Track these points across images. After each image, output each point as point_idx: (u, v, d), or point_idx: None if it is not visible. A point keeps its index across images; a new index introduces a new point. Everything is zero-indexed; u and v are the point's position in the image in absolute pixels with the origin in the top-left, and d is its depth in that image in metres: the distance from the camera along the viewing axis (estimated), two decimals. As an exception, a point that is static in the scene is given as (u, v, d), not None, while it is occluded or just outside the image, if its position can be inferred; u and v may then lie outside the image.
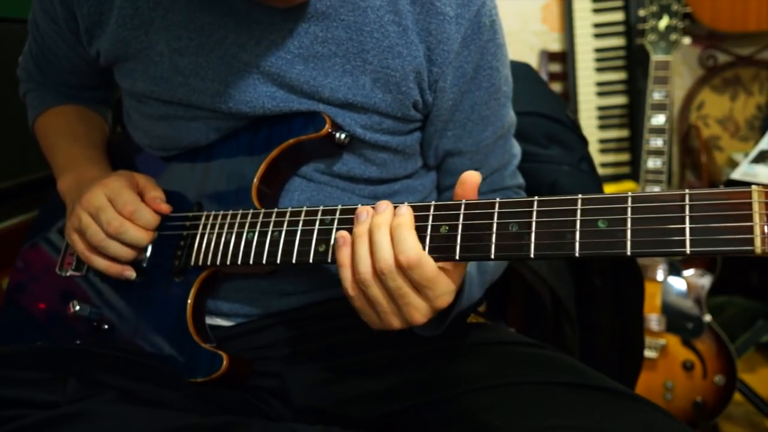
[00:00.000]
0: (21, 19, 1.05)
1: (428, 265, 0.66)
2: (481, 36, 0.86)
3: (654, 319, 1.73)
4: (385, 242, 0.66)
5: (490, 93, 0.91)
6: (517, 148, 1.03)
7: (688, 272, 1.73)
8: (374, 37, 0.83)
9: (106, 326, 0.91)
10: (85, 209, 0.86)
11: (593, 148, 2.30)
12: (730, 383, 1.68)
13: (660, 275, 1.75)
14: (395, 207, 0.70)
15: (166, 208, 0.89)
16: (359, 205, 0.73)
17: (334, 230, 0.74)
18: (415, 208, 0.70)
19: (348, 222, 0.74)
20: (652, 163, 1.80)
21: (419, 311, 0.68)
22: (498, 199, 0.67)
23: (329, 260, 0.73)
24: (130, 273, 0.89)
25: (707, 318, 1.70)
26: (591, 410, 0.71)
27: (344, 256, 0.69)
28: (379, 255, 0.66)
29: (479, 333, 0.89)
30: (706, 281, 1.71)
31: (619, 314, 1.32)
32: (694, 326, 1.71)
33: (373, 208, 0.70)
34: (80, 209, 0.87)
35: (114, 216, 0.85)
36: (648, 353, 1.72)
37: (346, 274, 0.69)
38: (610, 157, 2.35)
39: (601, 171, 2.23)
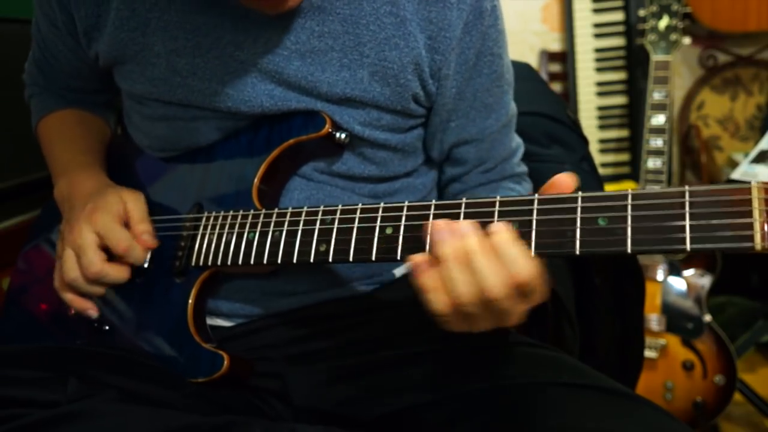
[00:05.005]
0: (21, 20, 1.05)
1: (538, 272, 0.62)
2: (483, 21, 0.86)
3: (654, 319, 1.73)
4: (492, 270, 0.61)
5: (492, 80, 0.91)
6: (519, 138, 1.04)
7: (688, 272, 1.73)
8: (370, 30, 0.83)
9: (106, 327, 0.91)
10: (70, 245, 0.86)
11: (593, 148, 2.30)
12: (730, 383, 1.68)
13: (660, 275, 1.75)
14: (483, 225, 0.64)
15: (153, 243, 0.88)
16: (359, 205, 0.73)
17: (334, 230, 0.74)
18: (415, 208, 0.70)
19: (349, 222, 0.73)
20: (652, 163, 1.80)
21: (517, 316, 0.64)
22: (498, 198, 0.66)
23: (330, 260, 0.73)
24: (93, 312, 0.90)
25: (707, 318, 1.70)
26: (591, 410, 0.71)
27: (430, 280, 0.63)
28: (489, 284, 0.60)
29: (479, 333, 0.89)
30: (706, 281, 1.71)
31: (619, 314, 1.32)
32: (694, 326, 1.71)
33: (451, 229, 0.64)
34: (66, 242, 0.88)
35: (94, 260, 0.84)
36: (648, 353, 1.72)
37: (437, 297, 0.63)
38: (610, 157, 2.35)
39: (601, 171, 2.21)
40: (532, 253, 0.63)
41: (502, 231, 0.62)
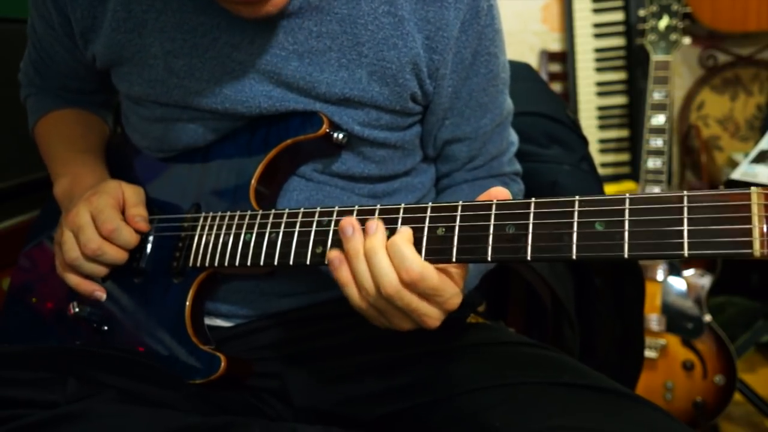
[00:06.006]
0: (21, 20, 1.05)
1: (431, 275, 0.66)
2: (479, 21, 0.86)
3: (654, 319, 1.73)
4: (385, 265, 0.66)
5: (488, 80, 0.91)
6: (514, 136, 1.04)
7: (688, 272, 1.73)
8: (369, 30, 0.83)
9: (105, 327, 0.91)
10: (69, 226, 0.87)
11: (593, 148, 2.30)
12: (730, 383, 1.68)
13: (660, 275, 1.75)
14: (386, 224, 0.70)
15: (144, 226, 0.88)
16: (356, 206, 0.73)
17: (331, 232, 0.74)
18: (411, 210, 0.70)
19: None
20: (652, 163, 1.80)
21: (431, 317, 0.69)
22: (495, 201, 0.66)
23: (326, 262, 0.73)
24: (101, 294, 0.90)
25: (707, 318, 1.70)
26: (591, 411, 0.71)
27: (344, 275, 0.69)
28: (383, 280, 0.66)
29: (479, 333, 0.89)
30: (706, 281, 1.71)
31: (619, 314, 1.32)
32: (694, 326, 1.71)
33: (363, 228, 0.69)
34: (65, 225, 0.88)
35: (93, 237, 0.85)
36: (648, 353, 1.72)
37: (352, 291, 0.69)
38: (610, 157, 2.35)
39: (601, 171, 2.22)
40: (528, 257, 0.63)
41: (400, 232, 0.68)
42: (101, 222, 0.85)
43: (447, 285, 0.67)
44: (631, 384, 1.39)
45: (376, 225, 0.68)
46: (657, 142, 1.80)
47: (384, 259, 0.66)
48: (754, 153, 1.65)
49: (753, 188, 0.55)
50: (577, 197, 0.62)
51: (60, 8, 0.90)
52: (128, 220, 0.87)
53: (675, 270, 1.74)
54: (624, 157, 2.35)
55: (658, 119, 1.80)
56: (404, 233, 0.68)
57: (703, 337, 1.70)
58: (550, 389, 0.75)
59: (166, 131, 0.92)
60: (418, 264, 0.65)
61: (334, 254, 0.70)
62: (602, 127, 2.35)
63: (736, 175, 1.63)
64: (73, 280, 0.89)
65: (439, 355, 0.84)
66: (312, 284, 0.90)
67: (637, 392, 0.78)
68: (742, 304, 2.09)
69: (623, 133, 2.34)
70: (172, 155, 0.96)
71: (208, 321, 0.90)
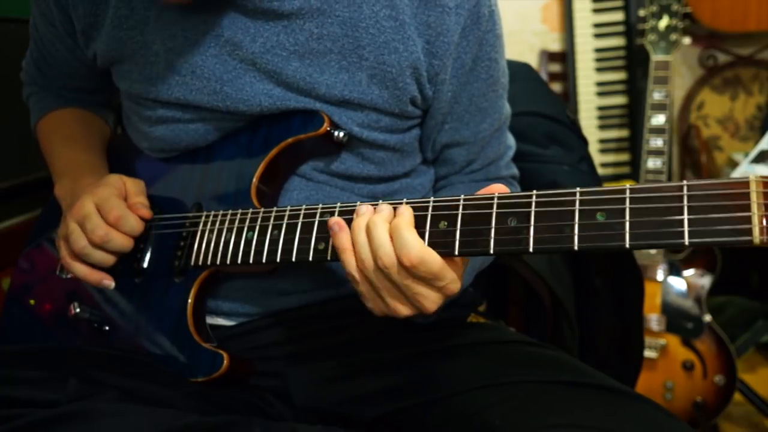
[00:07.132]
0: (21, 19, 1.05)
1: (433, 259, 0.66)
2: (480, 26, 0.86)
3: (654, 319, 1.73)
4: (384, 239, 0.67)
5: (488, 85, 0.91)
6: (512, 140, 1.04)
7: (688, 272, 1.73)
8: (370, 33, 0.83)
9: (107, 327, 0.91)
10: (74, 217, 0.87)
11: (593, 148, 2.30)
12: (730, 383, 1.68)
13: (660, 275, 1.75)
14: (395, 208, 0.70)
15: (147, 213, 0.89)
16: (358, 203, 0.74)
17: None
18: (413, 204, 0.70)
19: (347, 220, 0.74)
20: (652, 163, 1.80)
21: (429, 300, 0.69)
22: (496, 194, 0.67)
23: (329, 258, 0.74)
24: (109, 282, 0.89)
25: (707, 318, 1.70)
26: (592, 409, 0.71)
27: (343, 241, 0.70)
28: (380, 252, 0.66)
29: (479, 333, 0.89)
30: (706, 281, 1.71)
31: (619, 314, 1.32)
32: (694, 326, 1.71)
33: (374, 207, 0.70)
34: (69, 217, 0.88)
35: (99, 224, 0.85)
36: (648, 353, 1.72)
37: (349, 258, 0.70)
38: (610, 157, 2.35)
39: (601, 171, 2.23)
40: (530, 249, 0.63)
41: (401, 214, 0.69)
42: (107, 210, 0.85)
43: (446, 271, 0.67)
44: (631, 384, 1.39)
45: (386, 206, 0.70)
46: (657, 142, 1.80)
47: (384, 233, 0.67)
48: (754, 153, 1.65)
49: (752, 176, 0.55)
50: (578, 189, 0.62)
51: (62, 6, 0.90)
52: (131, 208, 0.88)
53: (675, 270, 1.74)
54: (624, 157, 2.35)
55: (658, 119, 1.80)
56: (405, 216, 0.68)
57: (703, 337, 1.70)
58: (549, 387, 0.75)
59: (168, 131, 0.92)
60: (417, 249, 0.65)
61: (334, 219, 0.71)
62: (602, 127, 2.35)
63: (736, 175, 1.64)
64: (80, 270, 0.88)
65: (439, 354, 0.84)
66: (314, 282, 0.90)
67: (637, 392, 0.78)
68: (742, 304, 2.09)
69: (623, 133, 2.34)
70: (173, 155, 0.96)
71: (210, 320, 0.90)
